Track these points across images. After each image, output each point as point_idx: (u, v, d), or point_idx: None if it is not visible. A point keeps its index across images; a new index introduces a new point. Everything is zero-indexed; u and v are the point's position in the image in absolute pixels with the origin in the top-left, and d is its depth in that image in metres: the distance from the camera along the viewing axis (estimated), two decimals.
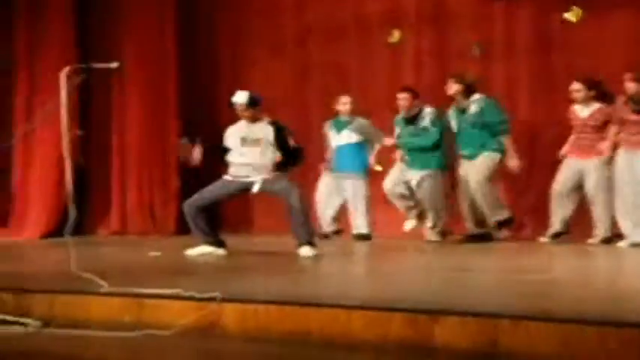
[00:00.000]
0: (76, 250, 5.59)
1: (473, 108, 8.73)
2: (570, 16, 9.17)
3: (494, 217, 8.67)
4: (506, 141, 8.69)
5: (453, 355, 3.96)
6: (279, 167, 7.52)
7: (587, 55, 9.15)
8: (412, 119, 9.17)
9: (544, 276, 5.78)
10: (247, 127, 7.63)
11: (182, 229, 10.78)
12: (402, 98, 9.19)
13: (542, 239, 8.44)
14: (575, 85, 8.44)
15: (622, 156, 7.98)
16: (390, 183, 9.15)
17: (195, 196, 7.58)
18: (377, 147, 9.49)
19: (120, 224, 11.20)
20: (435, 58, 10.15)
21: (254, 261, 7.22)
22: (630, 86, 7.93)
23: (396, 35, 10.20)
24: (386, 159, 9.62)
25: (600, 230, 8.26)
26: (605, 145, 8.16)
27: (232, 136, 7.69)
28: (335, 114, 9.66)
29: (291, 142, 7.56)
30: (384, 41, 10.27)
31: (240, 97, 7.59)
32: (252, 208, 10.94)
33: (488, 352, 3.89)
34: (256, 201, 10.51)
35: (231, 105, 7.66)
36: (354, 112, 9.60)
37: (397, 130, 9.31)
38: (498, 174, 8.84)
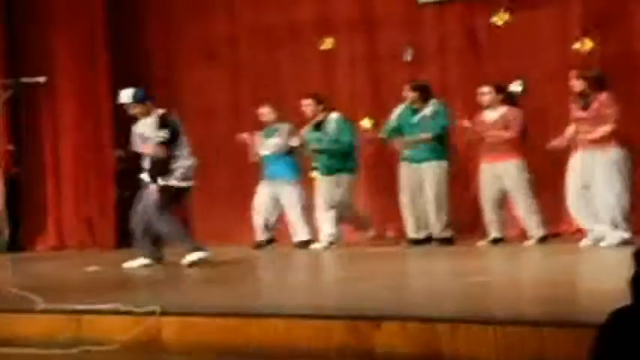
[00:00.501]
0: (11, 266, 5.49)
1: (427, 110, 8.77)
2: (497, 19, 9.29)
3: (440, 232, 8.71)
4: (432, 135, 8.73)
5: None
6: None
7: (516, 57, 9.26)
8: (318, 125, 9.26)
9: (483, 278, 5.82)
10: (142, 125, 7.55)
11: (122, 242, 10.68)
12: (306, 105, 9.27)
13: (481, 243, 8.49)
14: (484, 88, 8.54)
15: (578, 157, 7.90)
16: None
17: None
18: (288, 148, 9.48)
19: (57, 239, 11.03)
20: (366, 63, 10.19)
21: (193, 272, 7.16)
22: (576, 84, 7.91)
23: (328, 42, 10.23)
24: None
25: (533, 231, 8.35)
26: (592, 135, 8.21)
27: (134, 137, 7.63)
28: (263, 123, 9.66)
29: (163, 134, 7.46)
30: (316, 47, 10.28)
31: (124, 97, 7.51)
32: (192, 216, 10.84)
33: (430, 356, 3.90)
34: (196, 208, 10.45)
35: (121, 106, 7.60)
36: (279, 118, 9.58)
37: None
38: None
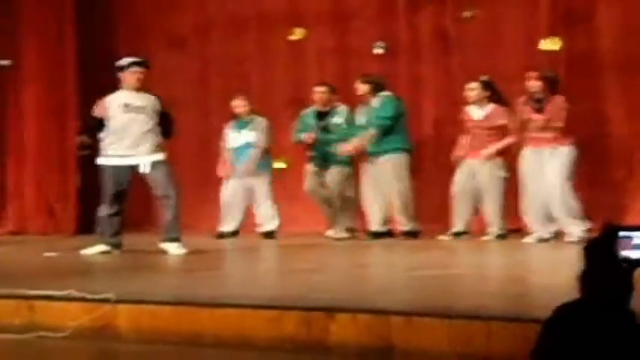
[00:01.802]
0: None
1: (375, 102, 8.78)
2: (467, 15, 9.35)
3: (402, 225, 8.72)
4: (369, 134, 8.71)
5: (347, 352, 3.98)
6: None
7: (483, 54, 9.30)
8: (325, 114, 9.21)
9: (440, 272, 5.85)
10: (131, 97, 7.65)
11: (84, 228, 10.61)
12: (319, 91, 9.22)
13: (442, 237, 8.53)
14: (471, 84, 8.57)
15: (528, 156, 8.00)
16: (311, 186, 9.23)
17: None
18: (257, 150, 9.41)
19: (18, 224, 10.94)
20: (336, 55, 10.18)
21: (151, 260, 7.12)
22: (534, 85, 7.96)
23: (297, 32, 10.21)
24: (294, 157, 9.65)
25: (494, 227, 8.41)
26: (487, 151, 8.34)
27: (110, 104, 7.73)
28: (234, 115, 9.59)
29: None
30: (285, 38, 10.26)
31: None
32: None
33: (382, 348, 3.92)
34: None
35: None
36: (252, 111, 9.54)
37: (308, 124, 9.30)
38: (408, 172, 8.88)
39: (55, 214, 10.90)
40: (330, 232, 9.16)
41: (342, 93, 9.38)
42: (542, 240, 7.85)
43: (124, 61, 7.79)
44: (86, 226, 10.65)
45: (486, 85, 8.52)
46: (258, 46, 10.48)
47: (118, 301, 4.54)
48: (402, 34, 9.91)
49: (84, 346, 4.48)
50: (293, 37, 10.25)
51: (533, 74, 7.98)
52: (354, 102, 9.28)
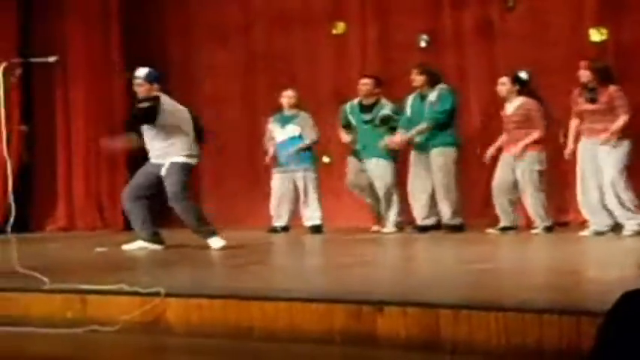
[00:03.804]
0: (20, 247, 5.51)
1: (433, 95, 8.74)
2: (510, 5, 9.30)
3: (448, 219, 8.70)
4: (423, 125, 8.70)
5: (396, 345, 3.98)
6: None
7: (528, 45, 9.23)
8: (369, 107, 9.20)
9: (489, 265, 5.82)
10: None
11: (130, 223, 10.72)
12: (364, 84, 9.21)
13: (491, 230, 8.49)
14: (502, 79, 8.53)
15: (583, 147, 7.91)
16: (351, 175, 9.23)
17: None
18: (307, 142, 9.42)
19: (67, 220, 11.08)
20: (380, 49, 10.17)
21: (197, 255, 7.18)
22: (584, 74, 7.87)
23: (340, 27, 10.22)
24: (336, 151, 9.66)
25: (538, 221, 8.35)
26: (515, 149, 8.25)
27: None
28: (278, 108, 9.61)
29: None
30: (329, 32, 10.27)
31: (140, 71, 7.57)
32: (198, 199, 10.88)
33: (431, 341, 3.91)
34: (207, 192, 10.50)
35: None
36: (297, 105, 9.56)
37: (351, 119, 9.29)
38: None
39: (103, 209, 11.02)
40: (376, 227, 9.16)
41: (385, 86, 9.37)
42: (598, 233, 7.76)
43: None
44: None
45: (516, 80, 8.46)
46: (302, 40, 10.51)
47: (167, 295, 4.58)
48: (446, 26, 9.88)
49: (135, 339, 4.52)
50: (336, 32, 10.26)
51: (583, 64, 7.88)
52: (397, 95, 9.27)
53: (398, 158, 9.16)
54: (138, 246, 7.49)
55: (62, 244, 8.97)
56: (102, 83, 11.09)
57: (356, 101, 9.29)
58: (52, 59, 6.02)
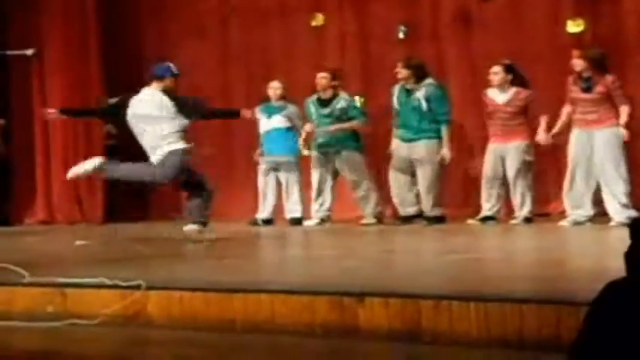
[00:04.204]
0: None
1: (421, 93, 8.73)
2: None
3: (430, 210, 8.72)
4: (446, 131, 8.73)
5: (378, 336, 4.00)
6: None
7: (506, 36, 9.26)
8: (327, 101, 9.20)
9: (469, 256, 5.84)
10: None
11: (110, 216, 10.70)
12: (321, 77, 9.21)
13: (471, 221, 8.51)
14: (495, 68, 8.52)
15: (577, 135, 7.90)
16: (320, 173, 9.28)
17: None
18: (303, 134, 9.43)
19: (46, 213, 11.03)
20: (358, 40, 10.16)
21: (178, 248, 7.17)
22: (577, 63, 7.84)
23: (319, 18, 10.21)
24: None
25: (522, 211, 8.38)
26: (542, 136, 8.23)
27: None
28: (263, 99, 9.59)
29: None
30: (307, 24, 10.25)
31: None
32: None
33: (412, 332, 3.93)
34: None
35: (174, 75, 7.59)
36: (284, 97, 9.54)
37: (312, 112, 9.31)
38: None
39: (82, 201, 10.97)
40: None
41: (364, 78, 9.37)
42: (577, 223, 7.79)
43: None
44: (112, 214, 10.76)
45: (509, 69, 8.47)
46: (280, 32, 10.48)
47: (148, 288, 4.58)
48: (424, 17, 9.88)
49: (116, 332, 4.52)
50: (315, 23, 10.25)
51: (576, 52, 7.87)
52: (376, 86, 9.28)
53: (363, 150, 9.18)
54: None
55: (41, 238, 8.93)
56: (79, 75, 11.03)
57: (315, 96, 9.30)
58: (29, 52, 6.00)
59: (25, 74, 10.92)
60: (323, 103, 9.20)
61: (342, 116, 9.12)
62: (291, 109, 9.45)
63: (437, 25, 9.85)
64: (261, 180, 9.51)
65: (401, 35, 9.79)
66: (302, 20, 10.30)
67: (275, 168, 9.45)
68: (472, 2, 9.60)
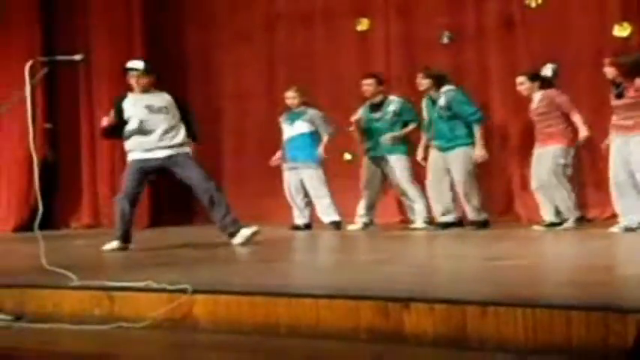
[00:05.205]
0: (46, 243, 5.55)
1: (441, 100, 8.74)
2: (530, 1, 9.26)
3: (473, 216, 8.69)
4: (477, 130, 8.70)
5: (423, 342, 3.98)
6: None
7: (552, 41, 9.19)
8: (377, 106, 9.22)
9: (516, 262, 5.80)
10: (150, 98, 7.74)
11: (155, 220, 10.78)
12: (367, 84, 9.23)
13: (537, 227, 8.46)
14: (519, 79, 8.51)
15: (615, 142, 7.84)
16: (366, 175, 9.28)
17: None
18: (325, 138, 9.45)
19: (92, 217, 11.15)
20: (403, 46, 10.16)
21: (223, 252, 7.21)
22: (609, 71, 7.83)
23: (364, 23, 10.21)
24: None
25: (565, 216, 8.32)
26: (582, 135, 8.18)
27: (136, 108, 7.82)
28: (286, 107, 9.64)
29: None
30: (352, 29, 10.26)
31: (137, 64, 7.77)
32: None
33: (458, 338, 3.91)
34: (229, 189, 10.48)
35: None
36: (305, 103, 9.56)
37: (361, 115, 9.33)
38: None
39: None
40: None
41: (410, 83, 9.36)
42: (629, 229, 7.71)
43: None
44: (158, 218, 10.85)
45: (533, 77, 8.45)
46: (325, 37, 10.51)
47: (195, 292, 4.60)
48: (469, 22, 9.86)
49: (162, 336, 4.54)
50: (360, 28, 10.26)
51: (607, 60, 7.84)
52: (419, 92, 9.27)
53: (412, 153, 9.18)
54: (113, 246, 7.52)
55: (88, 241, 9.02)
56: (125, 80, 11.11)
57: (368, 103, 9.33)
58: (77, 57, 6.04)
59: (72, 80, 11.05)
60: (374, 107, 9.24)
61: (395, 119, 9.13)
62: (312, 112, 9.48)
63: (481, 30, 9.81)
64: (287, 187, 9.54)
65: (445, 40, 9.77)
66: (347, 25, 10.31)
67: (299, 174, 9.47)
68: (516, 7, 9.56)
